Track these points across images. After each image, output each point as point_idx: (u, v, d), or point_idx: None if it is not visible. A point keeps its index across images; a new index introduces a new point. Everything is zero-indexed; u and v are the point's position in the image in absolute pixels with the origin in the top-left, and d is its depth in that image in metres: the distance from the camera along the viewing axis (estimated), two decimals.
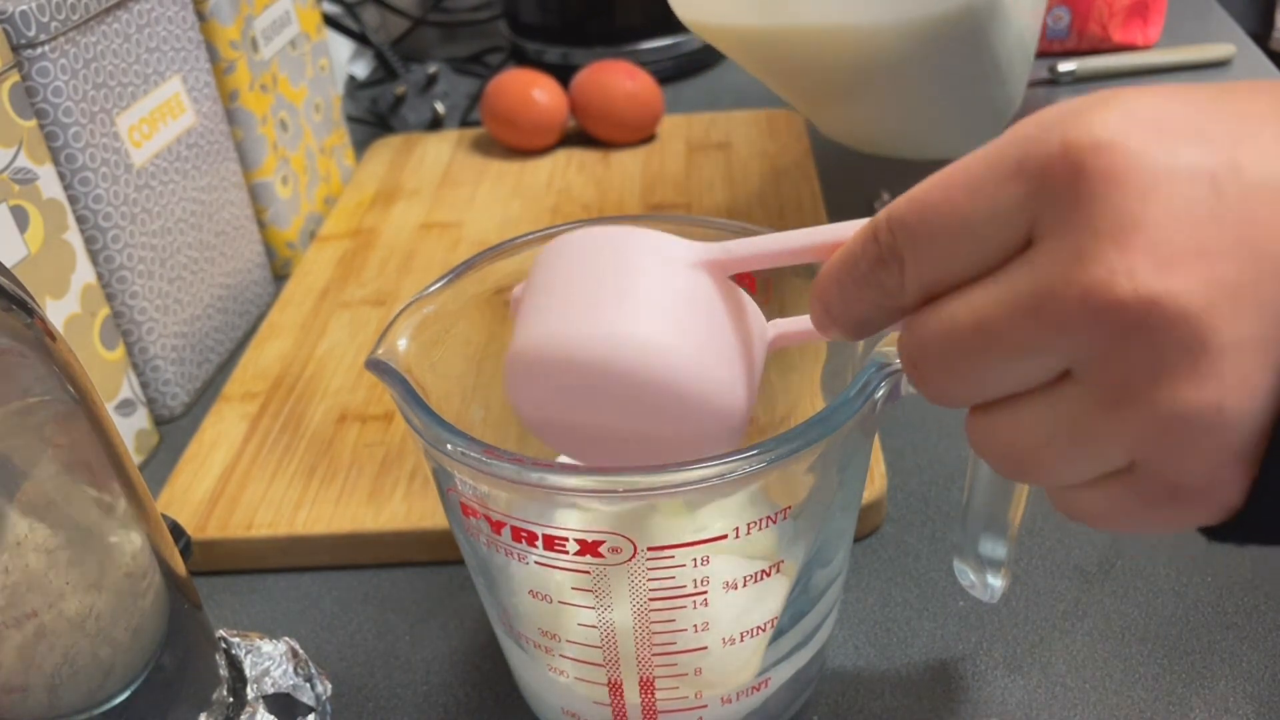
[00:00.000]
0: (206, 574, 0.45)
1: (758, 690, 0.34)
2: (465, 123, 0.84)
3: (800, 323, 0.31)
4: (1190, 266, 0.19)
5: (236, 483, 0.48)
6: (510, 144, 0.75)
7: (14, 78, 0.45)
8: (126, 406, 0.52)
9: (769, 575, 0.31)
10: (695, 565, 0.30)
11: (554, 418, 0.30)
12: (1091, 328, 0.20)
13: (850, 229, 0.25)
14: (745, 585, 0.31)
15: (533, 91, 0.74)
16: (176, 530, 0.37)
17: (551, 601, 0.31)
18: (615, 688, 0.33)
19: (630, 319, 0.27)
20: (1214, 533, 0.23)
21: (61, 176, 0.48)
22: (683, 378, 0.27)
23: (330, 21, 0.88)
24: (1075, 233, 0.20)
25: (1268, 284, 0.19)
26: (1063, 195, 0.20)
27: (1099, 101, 0.21)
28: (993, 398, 0.23)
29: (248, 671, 0.35)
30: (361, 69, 0.95)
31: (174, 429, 0.55)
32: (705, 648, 0.32)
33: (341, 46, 0.93)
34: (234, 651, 0.35)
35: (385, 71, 0.90)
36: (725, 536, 0.29)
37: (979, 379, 0.23)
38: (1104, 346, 0.20)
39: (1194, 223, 0.20)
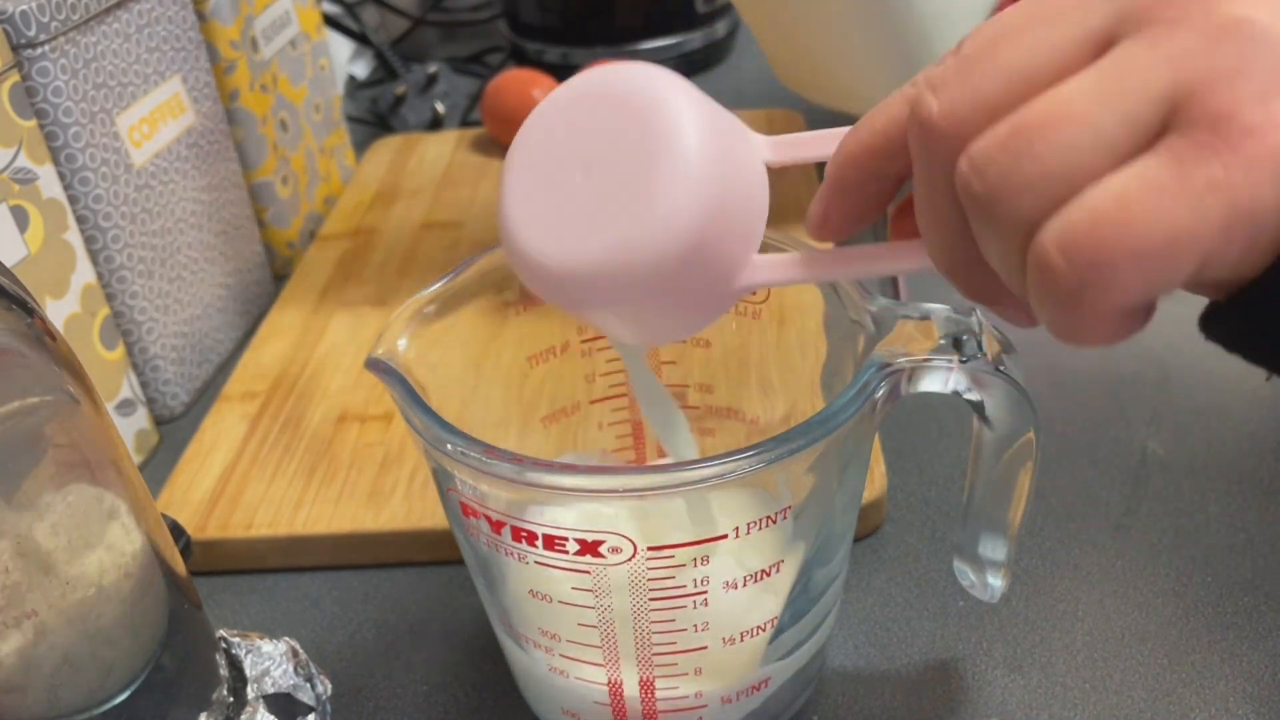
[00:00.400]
0: (206, 574, 0.45)
1: (758, 690, 0.34)
2: (465, 123, 0.84)
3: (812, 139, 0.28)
4: None
5: (236, 483, 0.48)
6: (509, 143, 0.75)
7: (14, 78, 0.45)
8: (126, 406, 0.52)
9: (769, 575, 0.31)
10: (695, 565, 0.30)
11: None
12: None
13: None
14: (745, 585, 0.31)
15: (533, 91, 0.74)
16: (176, 530, 0.37)
17: (551, 601, 0.31)
18: (615, 687, 0.33)
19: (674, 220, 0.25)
20: (1218, 312, 0.21)
21: (61, 176, 0.48)
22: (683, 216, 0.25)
23: (330, 21, 0.88)
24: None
25: None
26: None
27: None
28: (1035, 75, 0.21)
29: (248, 671, 0.35)
30: (361, 69, 0.95)
31: (174, 429, 0.55)
32: (705, 647, 0.32)
33: (341, 46, 0.93)
34: (234, 651, 0.35)
35: (385, 71, 0.90)
36: (725, 536, 0.29)
37: (1042, 150, 0.20)
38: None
39: None
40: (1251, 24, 0.19)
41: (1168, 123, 0.20)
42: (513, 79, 0.75)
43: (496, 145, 0.76)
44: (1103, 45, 0.20)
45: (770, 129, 0.75)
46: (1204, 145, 0.19)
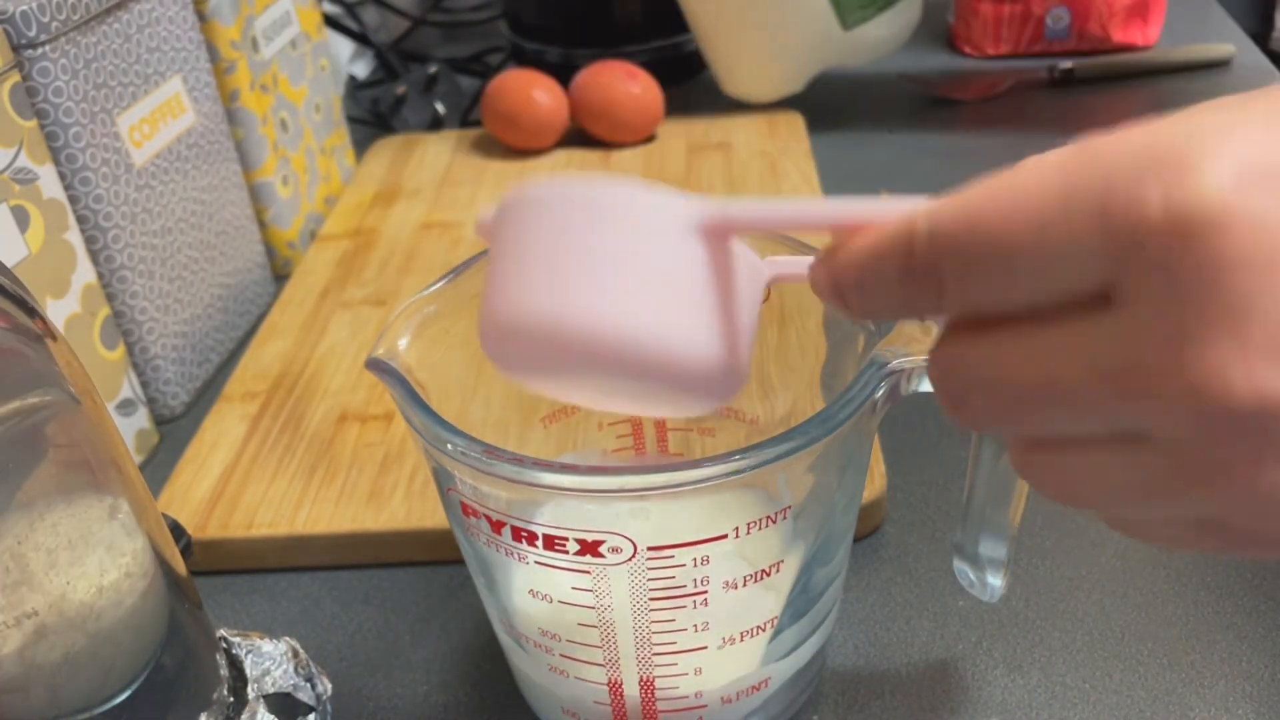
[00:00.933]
0: (207, 574, 0.45)
1: (758, 690, 0.34)
2: (465, 123, 0.84)
3: (799, 264, 0.28)
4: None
5: (237, 482, 0.48)
6: (511, 144, 0.75)
7: (14, 78, 0.45)
8: (127, 406, 0.52)
9: (769, 575, 0.31)
10: (695, 565, 0.30)
11: (535, 373, 0.27)
12: (1195, 416, 0.18)
13: (874, 212, 0.22)
14: (745, 585, 0.31)
15: (533, 91, 0.74)
16: (177, 530, 0.37)
17: (551, 601, 0.31)
18: (615, 687, 0.33)
19: (618, 303, 0.24)
20: None
21: (62, 176, 0.48)
22: (677, 362, 0.25)
23: (330, 21, 0.88)
24: (1178, 310, 0.18)
25: None
26: (1161, 265, 0.18)
27: (1202, 143, 0.18)
28: (1044, 439, 0.21)
29: (248, 671, 0.35)
30: (362, 69, 0.95)
31: (174, 429, 0.55)
32: (705, 647, 0.32)
33: (342, 46, 0.93)
34: (234, 651, 0.35)
35: (385, 71, 0.90)
36: (725, 536, 0.29)
37: (1031, 424, 0.21)
38: (1205, 432, 0.18)
39: None
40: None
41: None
42: (514, 79, 0.75)
43: (497, 145, 0.76)
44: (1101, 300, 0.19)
45: (770, 129, 0.75)
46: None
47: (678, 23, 0.81)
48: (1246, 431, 0.18)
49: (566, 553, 0.29)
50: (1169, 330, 0.18)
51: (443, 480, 0.32)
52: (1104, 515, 0.22)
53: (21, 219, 0.45)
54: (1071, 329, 0.19)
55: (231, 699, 0.34)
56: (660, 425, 0.42)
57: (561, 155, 0.75)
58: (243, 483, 0.48)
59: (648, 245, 0.24)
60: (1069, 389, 0.19)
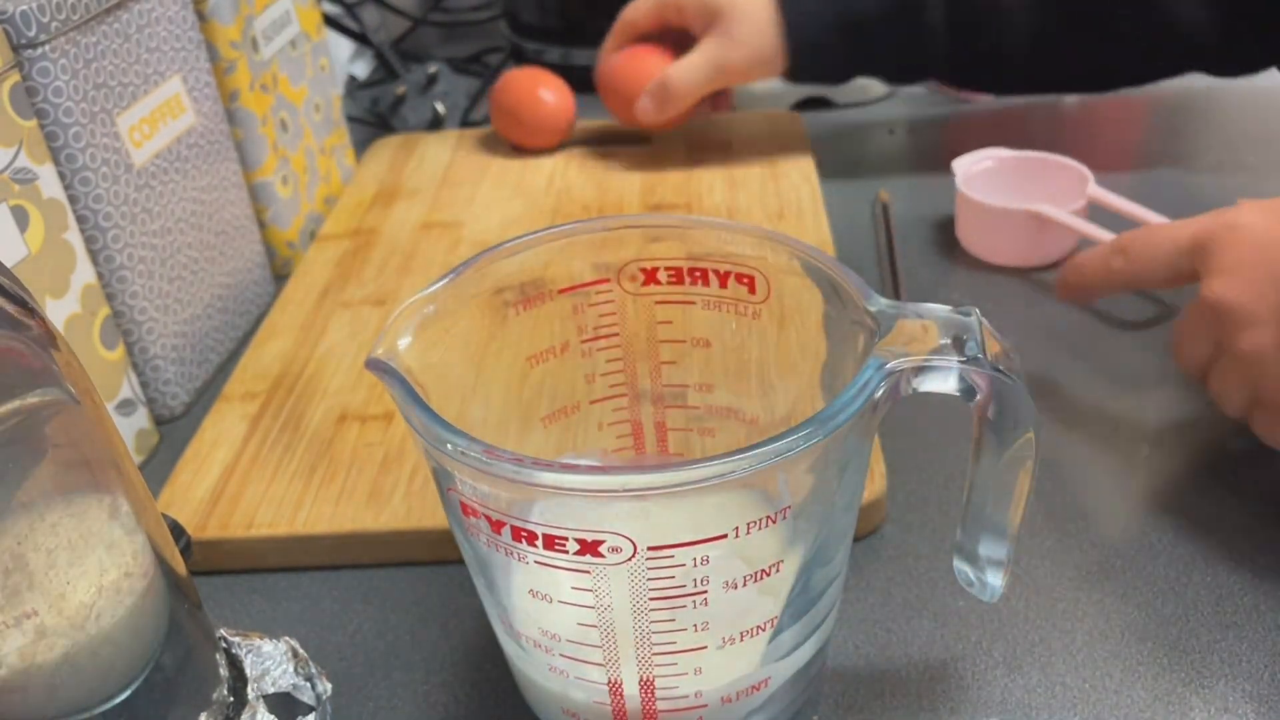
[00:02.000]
0: (206, 574, 0.45)
1: (758, 690, 0.34)
2: (465, 123, 0.84)
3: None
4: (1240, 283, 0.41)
5: (236, 482, 0.48)
6: (514, 141, 0.75)
7: (14, 78, 0.45)
8: (126, 406, 0.52)
9: (769, 575, 0.31)
10: (695, 565, 0.30)
11: None
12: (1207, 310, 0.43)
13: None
14: (745, 585, 0.31)
15: (539, 90, 0.74)
16: (177, 530, 0.37)
17: (551, 601, 0.31)
18: (615, 687, 0.33)
19: None
20: None
21: (62, 176, 0.48)
22: None
23: (330, 21, 0.88)
24: (1204, 268, 0.43)
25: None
26: (1204, 252, 0.43)
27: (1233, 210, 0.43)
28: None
29: (248, 671, 0.35)
30: (361, 69, 0.95)
31: (174, 429, 0.55)
32: (705, 647, 0.32)
33: (342, 46, 0.93)
34: (234, 651, 0.35)
35: (385, 71, 0.90)
36: (725, 536, 0.29)
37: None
38: (1210, 316, 0.42)
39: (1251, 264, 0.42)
40: None
41: None
42: (522, 76, 0.75)
43: (497, 144, 0.76)
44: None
45: (770, 129, 0.75)
46: None
47: None
48: (1218, 315, 0.42)
49: (566, 553, 0.29)
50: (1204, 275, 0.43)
51: (443, 480, 0.32)
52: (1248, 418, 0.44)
53: (21, 219, 0.45)
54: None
55: (231, 699, 0.34)
56: (660, 425, 0.42)
57: (561, 155, 0.75)
58: (243, 483, 0.48)
59: None
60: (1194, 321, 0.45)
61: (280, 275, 0.66)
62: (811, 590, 0.33)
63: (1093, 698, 0.37)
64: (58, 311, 0.47)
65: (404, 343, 0.33)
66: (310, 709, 0.35)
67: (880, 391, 0.30)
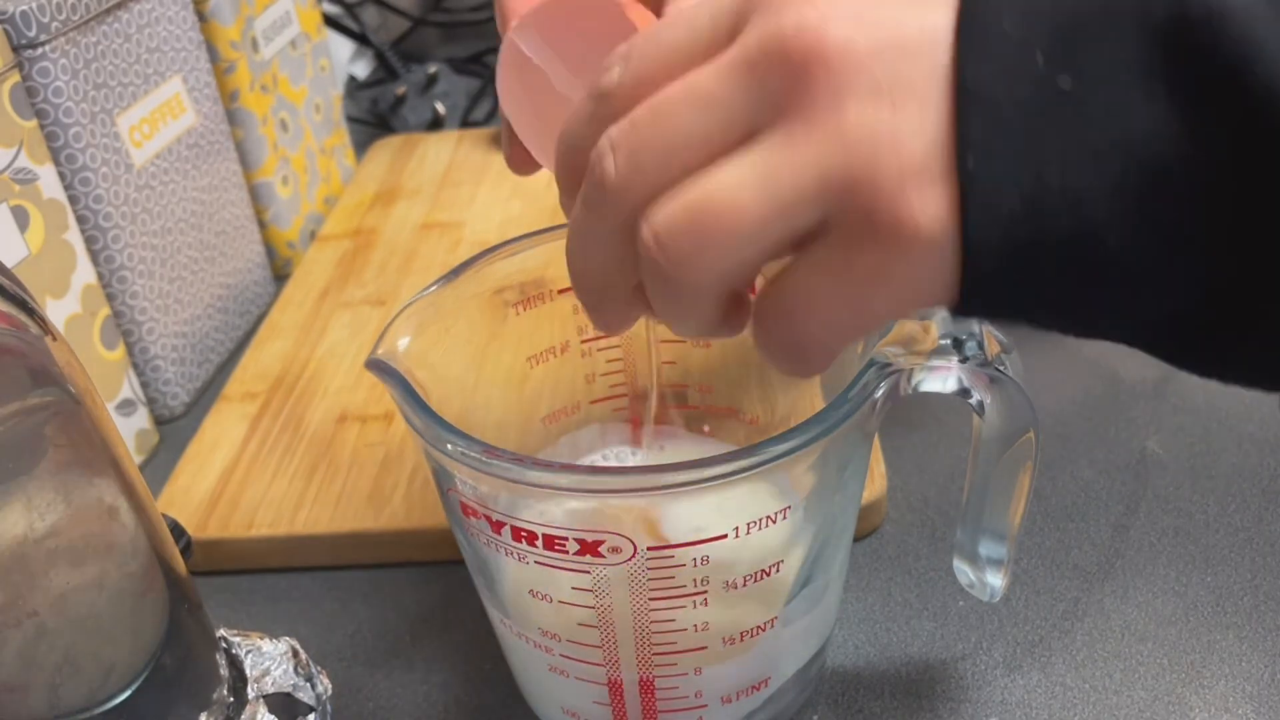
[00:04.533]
0: (206, 574, 0.45)
1: (758, 690, 0.34)
2: (465, 123, 0.84)
3: None
4: (846, 20, 0.22)
5: (237, 483, 0.48)
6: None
7: (14, 78, 0.45)
8: (126, 406, 0.52)
9: (769, 575, 0.31)
10: (695, 565, 0.30)
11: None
12: (773, 69, 0.22)
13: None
14: (745, 585, 0.31)
15: None
16: (177, 530, 0.37)
17: (551, 601, 0.31)
18: (615, 687, 0.33)
19: None
20: (964, 300, 0.23)
21: (62, 176, 0.48)
22: None
23: (330, 21, 0.88)
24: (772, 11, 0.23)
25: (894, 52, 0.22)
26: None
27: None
28: (688, 159, 0.24)
29: (248, 671, 0.35)
30: (362, 69, 0.95)
31: (174, 429, 0.55)
32: (705, 648, 0.32)
33: (342, 46, 0.93)
34: (234, 651, 0.35)
35: (385, 71, 0.90)
36: (725, 536, 0.29)
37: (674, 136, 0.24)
38: (787, 85, 0.22)
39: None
40: (876, 130, 0.22)
41: (826, 217, 0.23)
42: None
43: (498, 144, 0.76)
44: (750, 132, 0.23)
45: None
46: (861, 238, 0.22)
47: None
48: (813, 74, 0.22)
49: (566, 553, 0.29)
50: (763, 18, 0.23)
51: (443, 480, 0.32)
52: (745, 264, 0.24)
53: (21, 219, 0.45)
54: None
55: (231, 699, 0.34)
56: (660, 424, 0.42)
57: None
58: (243, 483, 0.48)
59: None
60: (699, 83, 0.23)
61: (280, 275, 0.66)
62: (811, 590, 0.33)
63: (1093, 698, 0.37)
64: (58, 311, 0.47)
65: (404, 343, 0.33)
66: (310, 709, 0.35)
67: (880, 391, 0.30)
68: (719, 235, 0.23)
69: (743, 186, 0.23)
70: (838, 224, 0.23)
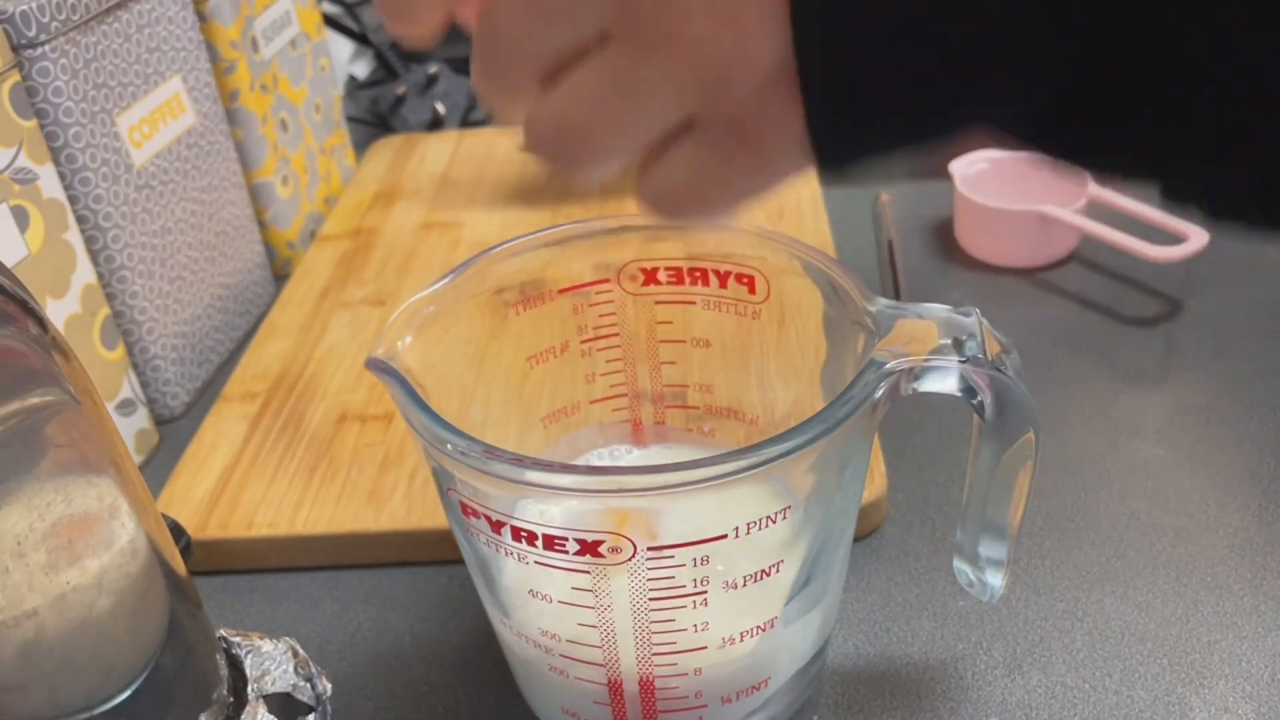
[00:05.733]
0: (206, 574, 0.45)
1: (758, 690, 0.34)
2: (465, 123, 0.84)
3: None
4: None
5: (236, 483, 0.48)
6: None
7: (14, 78, 0.45)
8: (126, 406, 0.52)
9: (769, 575, 0.31)
10: (695, 565, 0.30)
11: None
12: None
13: None
14: (745, 585, 0.31)
15: None
16: (176, 530, 0.37)
17: (551, 601, 0.31)
18: (615, 687, 0.33)
19: None
20: (823, 167, 0.24)
21: (62, 176, 0.48)
22: None
23: (330, 21, 0.88)
24: None
25: None
26: None
27: None
28: (544, 64, 0.24)
29: (248, 671, 0.35)
30: (362, 69, 0.95)
31: (174, 429, 0.55)
32: (705, 648, 0.32)
33: (341, 46, 0.93)
34: (234, 651, 0.35)
35: (385, 71, 0.90)
36: (725, 536, 0.29)
37: (535, 40, 0.24)
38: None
39: None
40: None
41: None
42: None
43: (498, 144, 0.76)
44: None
45: None
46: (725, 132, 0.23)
47: None
48: None
49: (566, 553, 0.29)
50: None
51: (443, 480, 0.32)
52: (619, 157, 0.24)
53: (21, 219, 0.45)
54: None
55: (231, 699, 0.34)
56: (660, 425, 0.42)
57: None
58: (242, 483, 0.48)
59: None
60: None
61: (280, 275, 0.66)
62: (811, 590, 0.33)
63: (1093, 698, 0.37)
64: (58, 311, 0.47)
65: (404, 343, 0.33)
66: (310, 709, 0.35)
67: (880, 391, 0.30)
68: (591, 149, 0.24)
69: (600, 101, 0.23)
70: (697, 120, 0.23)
